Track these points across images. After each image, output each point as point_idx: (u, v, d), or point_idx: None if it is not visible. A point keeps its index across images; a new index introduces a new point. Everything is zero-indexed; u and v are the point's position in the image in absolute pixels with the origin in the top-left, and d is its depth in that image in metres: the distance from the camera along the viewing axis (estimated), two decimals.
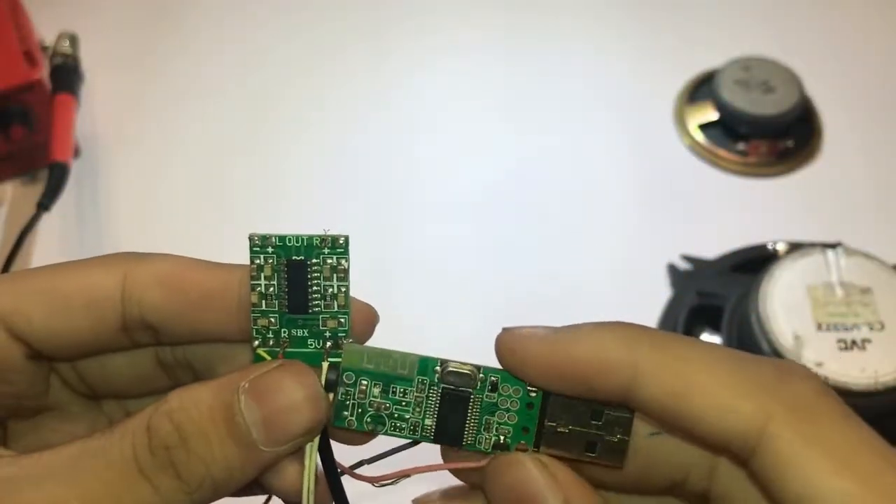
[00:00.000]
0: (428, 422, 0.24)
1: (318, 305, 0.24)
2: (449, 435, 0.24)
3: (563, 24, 0.65)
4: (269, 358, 0.24)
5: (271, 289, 0.24)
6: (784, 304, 0.44)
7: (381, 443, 0.25)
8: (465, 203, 0.56)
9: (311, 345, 0.24)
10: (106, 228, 0.55)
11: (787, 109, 0.57)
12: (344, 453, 0.24)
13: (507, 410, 0.24)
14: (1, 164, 0.55)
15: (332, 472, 0.24)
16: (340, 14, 0.66)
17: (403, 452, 0.25)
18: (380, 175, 0.57)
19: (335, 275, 0.24)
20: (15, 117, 0.52)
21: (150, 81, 0.62)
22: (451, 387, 0.24)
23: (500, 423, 0.24)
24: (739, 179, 0.57)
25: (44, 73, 0.54)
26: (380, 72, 0.63)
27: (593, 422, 0.23)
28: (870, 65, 0.63)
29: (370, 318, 0.25)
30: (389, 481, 0.24)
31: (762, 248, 0.51)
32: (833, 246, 0.46)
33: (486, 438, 0.24)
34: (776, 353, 0.42)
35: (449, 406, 0.24)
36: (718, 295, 0.48)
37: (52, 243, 0.53)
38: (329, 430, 0.24)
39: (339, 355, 0.24)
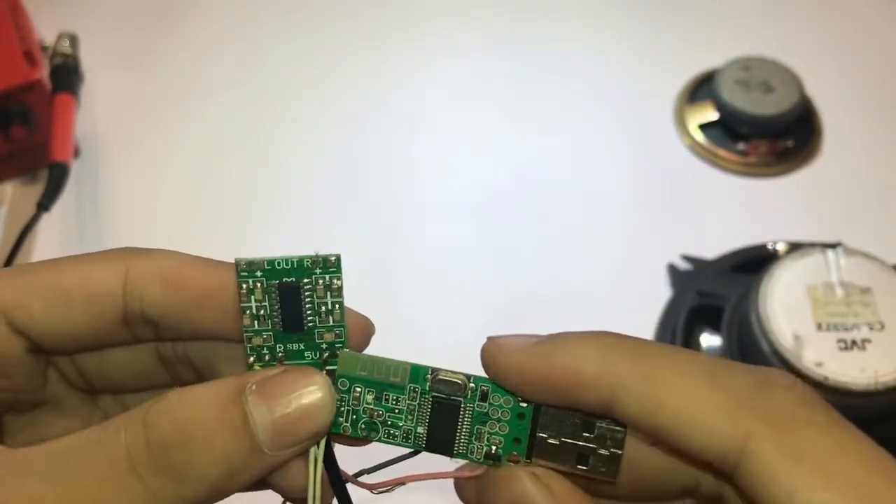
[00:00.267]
0: (420, 430, 0.24)
1: (312, 321, 0.24)
2: (440, 443, 0.24)
3: (563, 24, 0.66)
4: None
5: (262, 310, 0.23)
6: (784, 304, 0.44)
7: (383, 453, 0.24)
8: (465, 203, 0.56)
9: (308, 357, 0.24)
10: (106, 228, 0.54)
11: (787, 109, 0.57)
12: (346, 463, 0.24)
13: (499, 420, 0.23)
14: (1, 164, 0.55)
15: (335, 476, 0.24)
16: (340, 14, 0.66)
17: (406, 460, 0.24)
18: (380, 175, 0.57)
19: (329, 293, 0.23)
20: (15, 117, 0.52)
21: (150, 81, 0.62)
22: (442, 395, 0.23)
23: (491, 433, 0.24)
24: (739, 179, 0.57)
25: (44, 73, 0.54)
26: (380, 72, 0.63)
27: (585, 434, 0.23)
28: (870, 65, 0.63)
29: (366, 330, 0.25)
30: (386, 488, 0.24)
31: (762, 248, 0.51)
32: (833, 246, 0.46)
33: (477, 448, 0.24)
34: (776, 353, 0.42)
35: (439, 414, 0.24)
36: (718, 295, 0.48)
37: (52, 243, 0.53)
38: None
39: (336, 363, 0.24)
